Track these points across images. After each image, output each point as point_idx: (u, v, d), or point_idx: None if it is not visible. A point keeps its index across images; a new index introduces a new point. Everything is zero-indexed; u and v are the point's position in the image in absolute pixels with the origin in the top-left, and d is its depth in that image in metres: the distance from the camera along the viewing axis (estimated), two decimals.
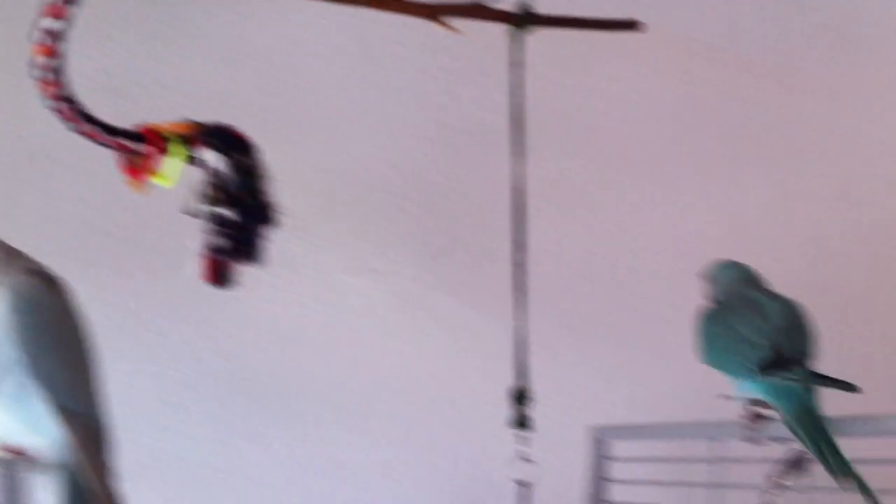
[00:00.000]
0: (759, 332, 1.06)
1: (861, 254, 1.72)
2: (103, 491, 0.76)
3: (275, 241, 1.47)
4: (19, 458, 0.74)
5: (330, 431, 1.53)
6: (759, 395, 1.05)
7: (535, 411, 1.38)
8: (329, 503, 1.51)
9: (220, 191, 1.04)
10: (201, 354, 1.48)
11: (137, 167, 1.03)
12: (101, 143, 1.01)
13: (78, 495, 0.73)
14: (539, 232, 1.58)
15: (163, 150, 1.02)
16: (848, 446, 0.96)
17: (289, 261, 1.54)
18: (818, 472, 0.96)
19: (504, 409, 1.33)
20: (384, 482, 1.54)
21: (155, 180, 1.03)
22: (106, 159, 1.04)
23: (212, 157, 1.04)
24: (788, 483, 1.03)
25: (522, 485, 1.30)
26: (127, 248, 1.49)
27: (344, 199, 1.61)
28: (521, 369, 1.35)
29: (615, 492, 1.32)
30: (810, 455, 0.97)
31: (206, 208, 1.04)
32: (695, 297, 1.16)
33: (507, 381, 1.35)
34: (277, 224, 1.10)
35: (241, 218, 1.05)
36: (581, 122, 1.70)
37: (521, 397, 1.34)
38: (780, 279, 1.36)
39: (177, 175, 1.03)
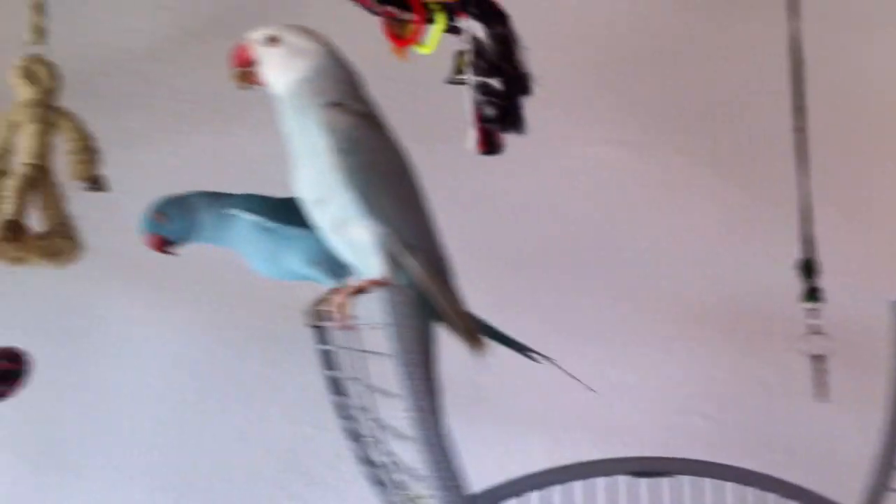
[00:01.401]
0: None
1: None
2: (458, 315, 0.80)
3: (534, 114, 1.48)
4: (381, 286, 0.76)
5: (567, 297, 1.51)
6: None
7: (829, 284, 1.33)
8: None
9: (482, 60, 1.04)
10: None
11: (402, 35, 1.05)
12: (372, 11, 1.03)
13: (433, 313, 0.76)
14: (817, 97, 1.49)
15: (426, 19, 1.03)
16: None
17: (552, 133, 1.53)
18: None
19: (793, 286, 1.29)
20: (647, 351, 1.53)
21: (416, 48, 1.04)
22: None
23: (472, 27, 1.03)
24: None
25: (816, 358, 1.27)
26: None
27: (595, 67, 1.55)
28: (808, 240, 1.30)
29: None
30: None
31: (473, 78, 1.03)
32: None
33: (791, 255, 1.31)
34: (531, 93, 1.08)
35: (503, 87, 1.05)
36: None
37: (808, 269, 1.30)
38: None
39: (436, 43, 1.04)
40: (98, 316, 1.39)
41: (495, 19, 1.04)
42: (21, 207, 1.00)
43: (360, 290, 0.76)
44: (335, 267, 0.94)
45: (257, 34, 0.84)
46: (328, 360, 1.08)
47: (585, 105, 1.55)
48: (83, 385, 1.38)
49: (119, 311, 1.40)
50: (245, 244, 0.99)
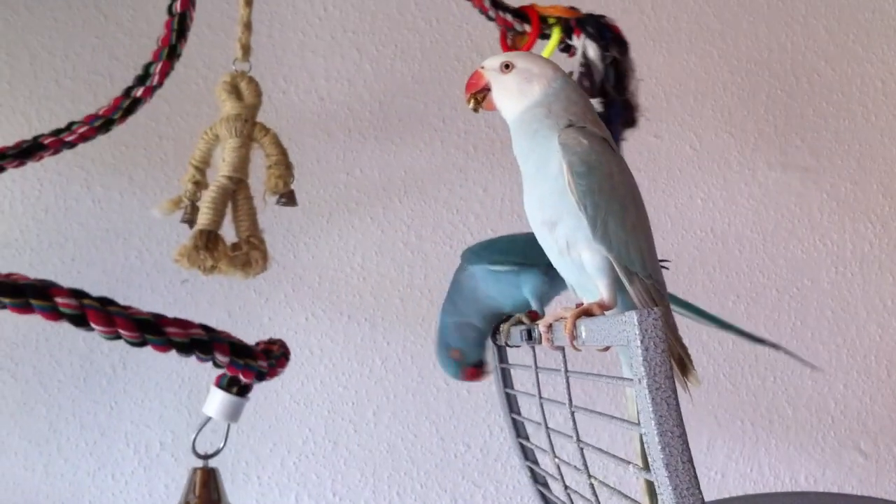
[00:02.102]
0: None
1: None
2: (674, 345, 0.79)
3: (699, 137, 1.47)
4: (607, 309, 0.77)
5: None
6: None
7: None
8: None
9: (587, 80, 1.03)
10: None
11: (515, 45, 1.06)
12: (487, 16, 1.04)
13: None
14: None
15: (541, 32, 1.03)
16: None
17: (717, 156, 1.52)
18: None
19: None
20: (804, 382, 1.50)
21: None
22: None
23: (588, 48, 1.03)
24: None
25: None
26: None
27: (773, 94, 1.54)
28: None
29: None
30: None
31: None
32: None
33: None
34: (636, 125, 1.07)
35: (604, 110, 1.04)
36: None
37: None
38: None
39: (548, 56, 1.03)
40: (262, 325, 1.42)
41: (613, 44, 1.04)
42: (217, 218, 1.03)
43: (586, 312, 0.76)
44: (549, 295, 0.96)
45: (491, 61, 0.86)
46: (507, 379, 1.08)
47: (752, 127, 1.54)
48: None
49: (282, 322, 1.43)
50: (487, 286, 0.98)
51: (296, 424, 1.42)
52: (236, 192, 1.04)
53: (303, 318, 1.44)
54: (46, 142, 1.05)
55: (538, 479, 1.08)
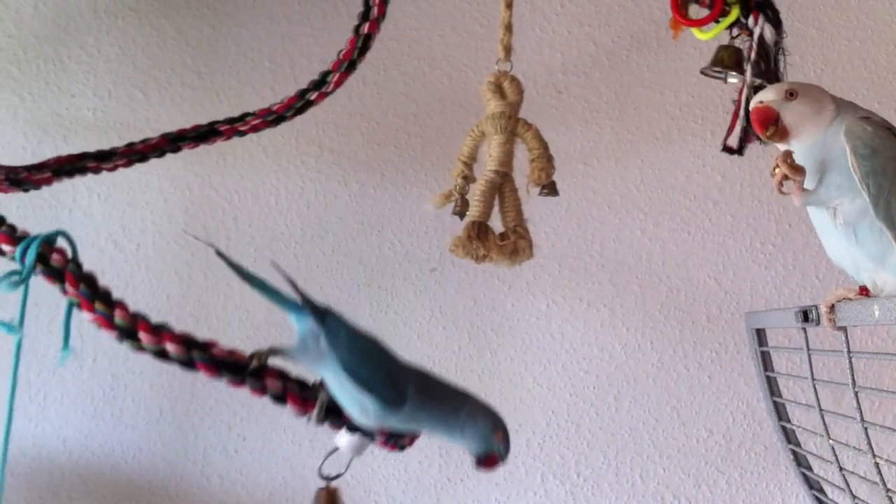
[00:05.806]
0: None
1: None
2: None
3: None
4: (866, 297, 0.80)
5: None
6: None
7: None
8: None
9: (763, 62, 1.03)
10: None
11: (687, 14, 1.06)
12: None
13: None
14: None
15: (721, 10, 1.04)
16: None
17: None
18: None
19: None
20: None
21: (696, 31, 1.05)
22: None
23: (766, 30, 1.03)
24: None
25: None
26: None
27: None
28: None
29: None
30: None
31: (750, 77, 1.03)
32: None
33: None
34: None
35: None
36: None
37: None
38: None
39: (718, 33, 1.06)
40: (506, 311, 1.49)
41: (780, 28, 1.04)
42: (486, 210, 1.08)
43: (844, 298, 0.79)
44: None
45: (771, 93, 0.90)
46: (767, 363, 1.10)
47: None
48: (490, 373, 1.48)
49: (524, 308, 1.49)
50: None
51: (539, 407, 1.48)
52: (503, 185, 1.10)
53: (544, 304, 1.49)
54: (222, 128, 1.17)
55: (801, 462, 1.09)
